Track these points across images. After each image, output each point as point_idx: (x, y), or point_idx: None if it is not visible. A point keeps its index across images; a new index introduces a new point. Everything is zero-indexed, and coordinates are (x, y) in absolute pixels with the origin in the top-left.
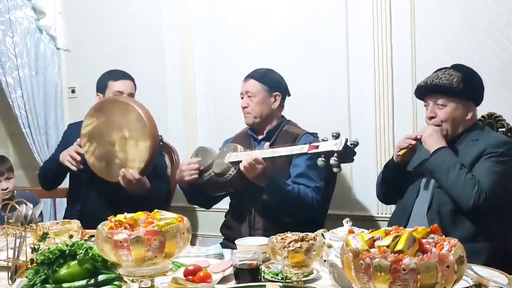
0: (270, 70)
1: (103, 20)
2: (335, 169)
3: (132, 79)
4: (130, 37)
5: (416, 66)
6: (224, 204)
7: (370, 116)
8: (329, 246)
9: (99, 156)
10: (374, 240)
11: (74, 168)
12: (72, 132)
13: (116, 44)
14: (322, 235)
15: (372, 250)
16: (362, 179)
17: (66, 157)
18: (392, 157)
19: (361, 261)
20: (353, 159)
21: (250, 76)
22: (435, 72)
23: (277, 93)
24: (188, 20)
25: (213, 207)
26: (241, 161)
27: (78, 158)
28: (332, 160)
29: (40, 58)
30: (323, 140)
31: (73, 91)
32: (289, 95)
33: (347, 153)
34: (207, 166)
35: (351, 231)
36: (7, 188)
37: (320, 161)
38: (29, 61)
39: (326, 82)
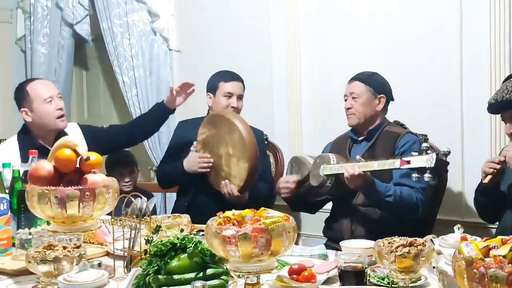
0: (375, 73)
1: (213, 22)
2: (431, 182)
3: (242, 81)
4: (239, 38)
5: None
6: (327, 204)
7: (485, 121)
8: (439, 253)
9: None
10: (489, 249)
11: (205, 171)
12: (181, 130)
13: (224, 45)
14: (431, 241)
15: (487, 259)
16: (474, 184)
17: (195, 166)
18: (481, 181)
19: (474, 270)
20: (447, 170)
21: (355, 78)
22: (504, 82)
23: (382, 95)
24: (295, 22)
25: None
26: (337, 174)
27: (207, 161)
28: (427, 177)
29: (154, 59)
30: (419, 153)
31: None
32: (392, 99)
33: (440, 167)
34: (304, 178)
35: (463, 238)
36: (129, 181)
37: (414, 177)
38: (144, 62)
39: (437, 84)
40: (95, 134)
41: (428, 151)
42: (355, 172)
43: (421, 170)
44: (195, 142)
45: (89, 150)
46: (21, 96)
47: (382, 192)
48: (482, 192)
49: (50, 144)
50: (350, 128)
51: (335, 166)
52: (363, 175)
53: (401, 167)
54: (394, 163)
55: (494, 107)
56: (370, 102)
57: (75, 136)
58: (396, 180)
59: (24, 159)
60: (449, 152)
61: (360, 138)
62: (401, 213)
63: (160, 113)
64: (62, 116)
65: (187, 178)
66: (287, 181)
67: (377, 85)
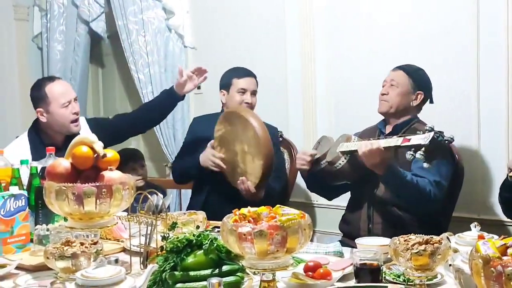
0: (422, 69)
1: (228, 19)
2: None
3: (255, 76)
4: (253, 35)
5: None
6: (342, 201)
7: (502, 117)
8: (455, 251)
9: (227, 160)
10: (507, 248)
11: (217, 170)
12: (197, 126)
13: (239, 42)
14: (448, 238)
15: (505, 258)
16: (491, 180)
17: (208, 162)
18: (507, 176)
19: (492, 269)
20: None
21: (400, 67)
22: None
23: (421, 92)
24: (310, 19)
25: (331, 203)
26: (352, 150)
27: (218, 161)
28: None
29: (169, 56)
30: (422, 133)
31: (198, 87)
32: (431, 101)
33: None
34: (323, 154)
35: (481, 237)
36: (140, 176)
37: (408, 154)
38: (159, 59)
39: (454, 80)
40: (102, 125)
41: (428, 131)
42: (372, 146)
43: (417, 149)
44: (212, 141)
45: None
46: (38, 96)
47: (398, 175)
48: (507, 187)
49: (60, 142)
50: (372, 121)
51: (352, 143)
52: (380, 152)
53: (402, 144)
54: (397, 141)
55: None
56: (407, 95)
57: (84, 130)
58: (414, 172)
59: (35, 156)
60: (452, 139)
61: (387, 132)
62: (414, 202)
63: (169, 99)
64: (76, 120)
65: (202, 173)
66: (304, 153)
67: (419, 80)
